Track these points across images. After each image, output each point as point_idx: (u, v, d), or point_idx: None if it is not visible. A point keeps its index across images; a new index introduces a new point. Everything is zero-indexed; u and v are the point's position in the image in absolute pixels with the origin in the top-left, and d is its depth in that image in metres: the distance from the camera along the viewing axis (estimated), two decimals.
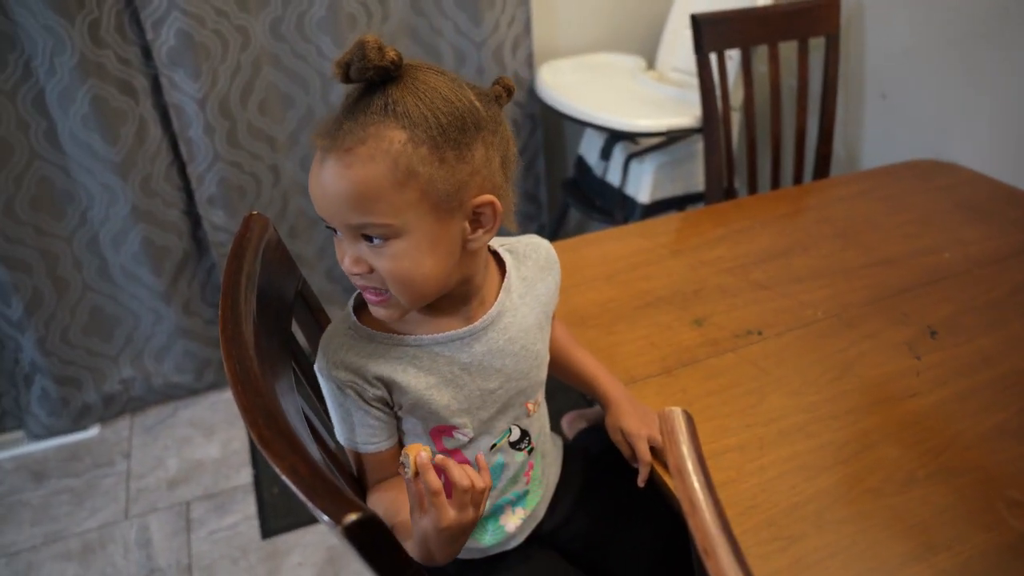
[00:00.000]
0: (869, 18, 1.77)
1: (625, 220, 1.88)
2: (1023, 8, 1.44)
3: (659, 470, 0.85)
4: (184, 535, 1.63)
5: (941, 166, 1.54)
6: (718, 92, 1.57)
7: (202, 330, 1.95)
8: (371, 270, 0.68)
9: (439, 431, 0.78)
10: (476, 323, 0.76)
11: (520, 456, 0.84)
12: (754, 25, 1.57)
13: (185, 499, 1.72)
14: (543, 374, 0.85)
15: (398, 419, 0.79)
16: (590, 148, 2.00)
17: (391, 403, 0.76)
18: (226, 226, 1.83)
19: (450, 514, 0.64)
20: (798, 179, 1.72)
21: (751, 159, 1.67)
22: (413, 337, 0.75)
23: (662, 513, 0.89)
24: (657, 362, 1.01)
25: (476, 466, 0.68)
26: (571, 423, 1.53)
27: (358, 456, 0.79)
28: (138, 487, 1.76)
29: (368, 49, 0.61)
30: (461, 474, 0.65)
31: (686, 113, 1.72)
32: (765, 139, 1.86)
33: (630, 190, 1.89)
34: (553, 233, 2.20)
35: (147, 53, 1.64)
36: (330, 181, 0.65)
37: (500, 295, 0.78)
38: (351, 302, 0.78)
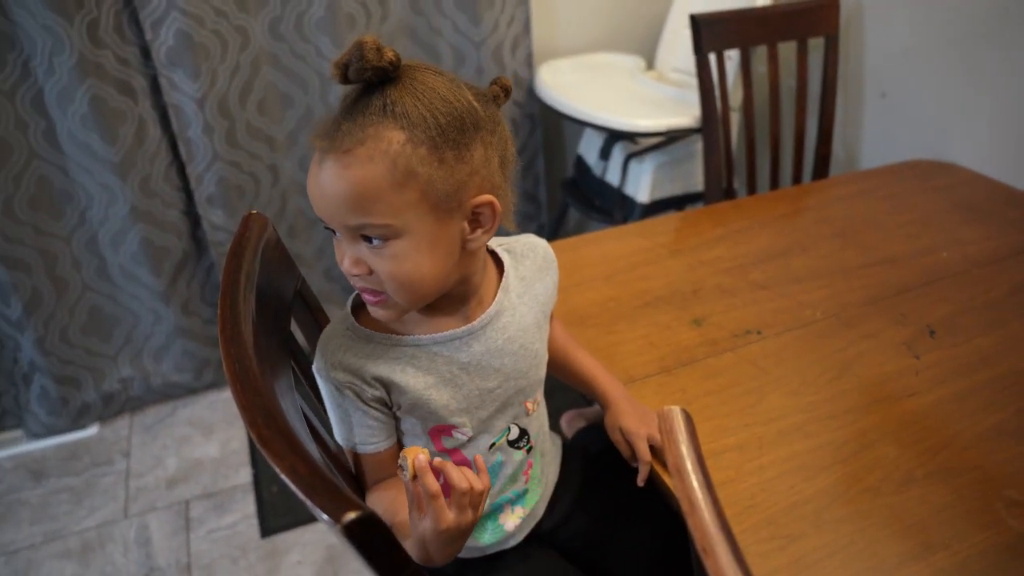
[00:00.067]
0: (868, 18, 1.77)
1: (624, 220, 1.88)
2: (1023, 8, 1.44)
3: (658, 469, 0.85)
4: (183, 534, 1.63)
5: (940, 166, 1.54)
6: (717, 92, 1.57)
7: (201, 329, 1.95)
8: (370, 271, 0.68)
9: (438, 431, 0.78)
10: (474, 322, 0.76)
11: (519, 455, 0.84)
12: (753, 25, 1.57)
13: (184, 498, 1.72)
14: (542, 373, 0.85)
15: (396, 419, 0.79)
16: (589, 148, 2.00)
17: (390, 403, 0.76)
18: (225, 226, 1.83)
19: (449, 516, 0.64)
20: (797, 179, 1.72)
21: (750, 159, 1.67)
22: (412, 337, 0.75)
23: (661, 512, 0.89)
24: (656, 362, 1.01)
25: (475, 467, 0.68)
26: (570, 422, 1.53)
27: (356, 456, 0.79)
28: (137, 486, 1.76)
29: (366, 50, 0.61)
30: (460, 476, 0.65)
31: (685, 113, 1.72)
32: (764, 139, 1.86)
33: (629, 190, 1.89)
34: (552, 233, 2.20)
35: (146, 53, 1.64)
36: (329, 182, 0.65)
37: (498, 294, 0.78)
38: (349, 302, 0.78)
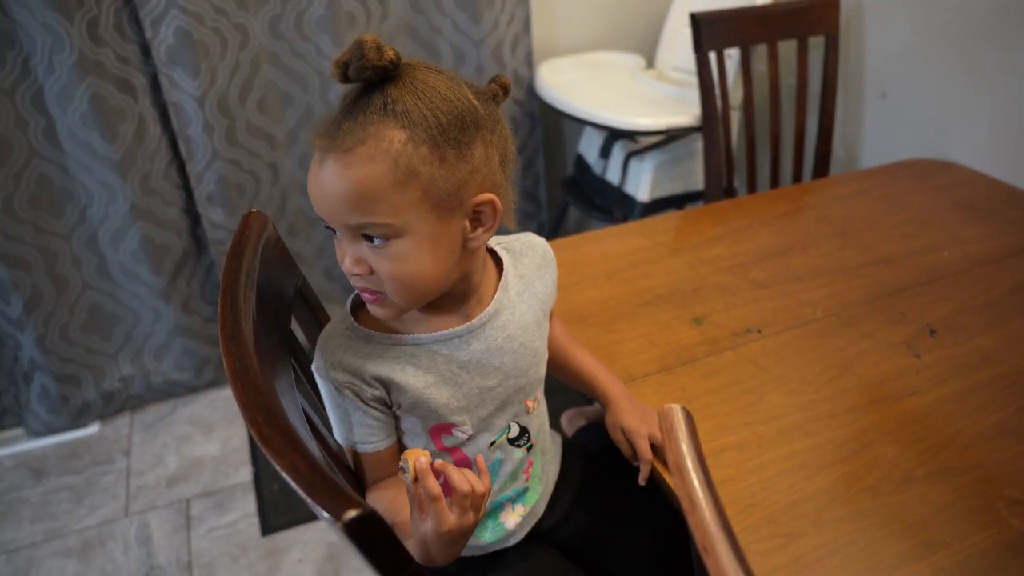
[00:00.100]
0: (869, 17, 1.77)
1: (624, 218, 1.88)
2: (1023, 8, 1.44)
3: (659, 468, 0.85)
4: (184, 532, 1.64)
5: (940, 165, 1.54)
6: (717, 91, 1.57)
7: (201, 328, 1.95)
8: (371, 271, 0.68)
9: (438, 429, 0.78)
10: (474, 321, 0.76)
11: (519, 453, 0.84)
12: (753, 24, 1.57)
13: (185, 496, 1.72)
14: (542, 371, 0.85)
15: (396, 418, 0.79)
16: (589, 146, 2.00)
17: (389, 403, 0.76)
18: (225, 224, 1.83)
19: (450, 519, 0.64)
20: (797, 178, 1.72)
21: (750, 158, 1.67)
22: (411, 336, 0.75)
23: (662, 511, 0.89)
24: (656, 360, 1.01)
25: (476, 467, 0.68)
26: (570, 420, 1.53)
27: (357, 456, 0.79)
28: (138, 484, 1.76)
29: (366, 49, 0.61)
30: (461, 479, 0.64)
31: (685, 112, 1.72)
32: (764, 138, 1.86)
33: (629, 188, 1.89)
34: (553, 231, 2.20)
35: (146, 51, 1.64)
36: (330, 181, 0.65)
37: (497, 292, 0.78)
38: (349, 302, 0.78)
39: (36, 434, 1.89)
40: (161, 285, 1.85)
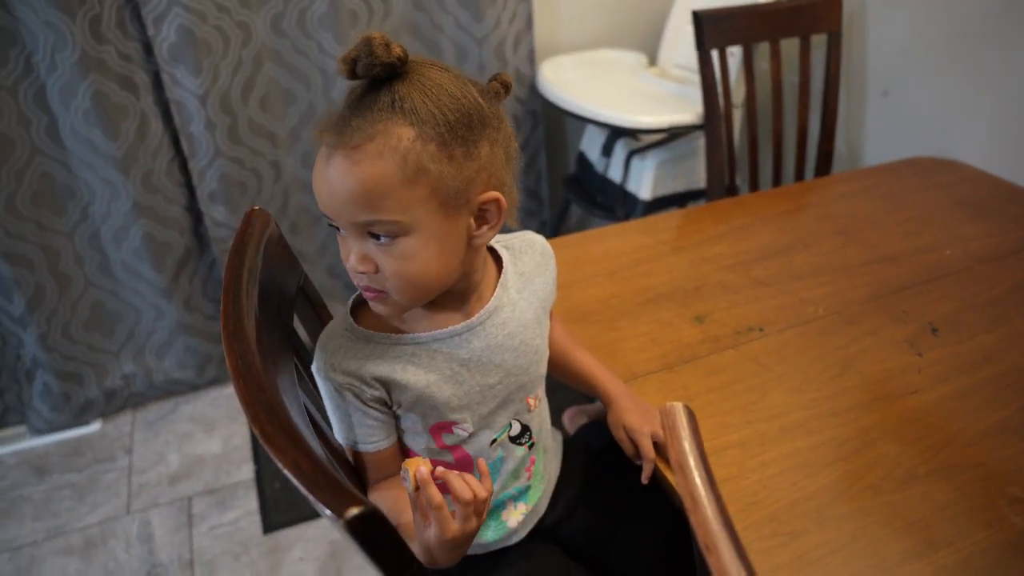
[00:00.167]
0: (871, 15, 1.76)
1: (626, 217, 1.88)
2: (1023, 8, 1.44)
3: (661, 466, 0.85)
4: (186, 530, 1.64)
5: (942, 163, 1.54)
6: (720, 89, 1.57)
7: (203, 326, 1.96)
8: (377, 269, 0.68)
9: (438, 427, 0.78)
10: (474, 318, 0.76)
11: (520, 451, 0.84)
12: (756, 22, 1.57)
13: (186, 494, 1.72)
14: (543, 369, 0.85)
15: (397, 418, 0.79)
16: (591, 144, 2.00)
17: (390, 403, 0.76)
18: (227, 222, 1.83)
19: (453, 526, 0.65)
20: (799, 176, 1.72)
21: (752, 156, 1.67)
22: (411, 335, 0.75)
23: (663, 509, 0.89)
24: (658, 358, 1.01)
25: (477, 470, 0.68)
26: (572, 418, 1.53)
27: (358, 455, 0.79)
28: (139, 482, 1.76)
29: (375, 45, 0.61)
30: (463, 486, 0.64)
31: (688, 110, 1.71)
32: (767, 136, 1.86)
33: (631, 186, 1.89)
34: (555, 229, 2.20)
35: (148, 49, 1.64)
36: (337, 178, 0.64)
37: (497, 290, 0.78)
38: (349, 302, 0.78)
39: (38, 432, 1.89)
40: (163, 283, 1.85)
